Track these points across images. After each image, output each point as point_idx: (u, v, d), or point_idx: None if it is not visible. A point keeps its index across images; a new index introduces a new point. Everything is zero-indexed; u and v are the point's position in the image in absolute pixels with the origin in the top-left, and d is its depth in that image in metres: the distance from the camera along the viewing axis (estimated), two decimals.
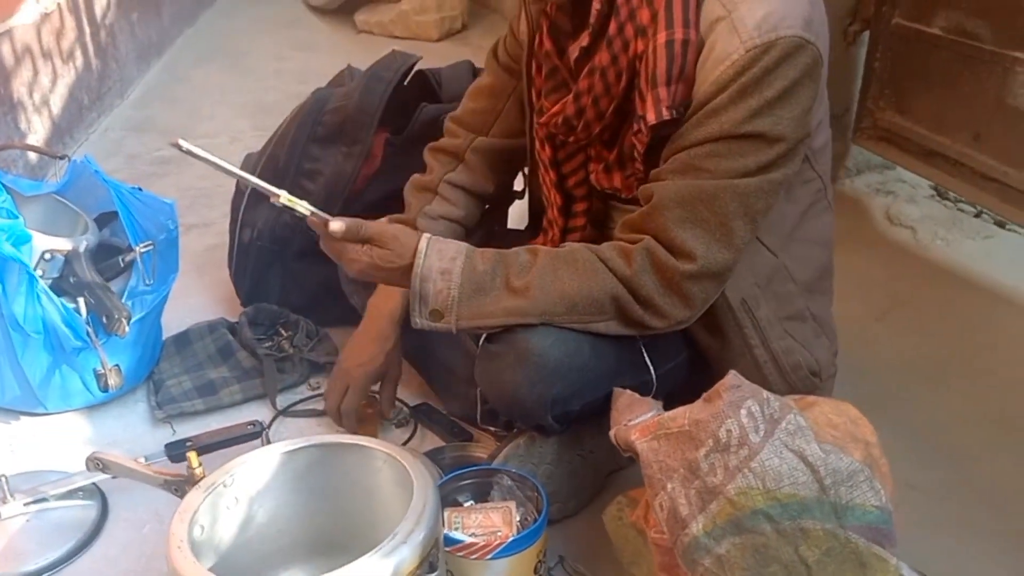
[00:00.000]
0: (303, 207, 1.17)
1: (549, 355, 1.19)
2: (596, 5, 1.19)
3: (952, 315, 1.92)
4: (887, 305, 1.94)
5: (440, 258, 1.19)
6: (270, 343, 1.80)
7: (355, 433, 1.49)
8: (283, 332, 1.82)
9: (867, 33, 2.23)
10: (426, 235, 1.21)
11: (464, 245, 1.22)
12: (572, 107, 1.26)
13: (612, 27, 1.18)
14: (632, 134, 1.20)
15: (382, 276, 1.24)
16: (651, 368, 1.28)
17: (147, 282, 1.59)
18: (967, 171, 1.99)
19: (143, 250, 1.57)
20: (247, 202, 1.90)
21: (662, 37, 1.13)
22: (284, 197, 1.16)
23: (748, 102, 1.10)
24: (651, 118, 1.15)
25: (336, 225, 1.17)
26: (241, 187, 1.92)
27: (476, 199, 1.57)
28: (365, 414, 1.56)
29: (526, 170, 1.57)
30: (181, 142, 1.07)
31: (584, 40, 1.22)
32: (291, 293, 1.89)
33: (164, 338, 1.79)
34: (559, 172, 1.40)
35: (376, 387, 1.55)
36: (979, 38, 1.89)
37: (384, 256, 1.19)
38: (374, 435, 1.51)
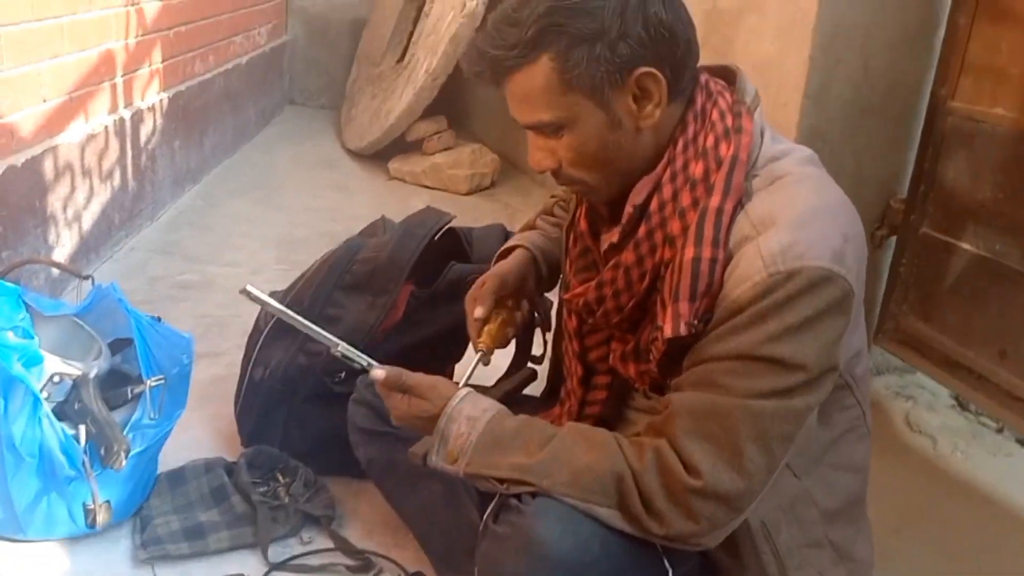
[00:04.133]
0: (359, 359, 1.27)
1: (555, 547, 1.12)
2: (628, 209, 1.20)
3: (974, 537, 1.84)
4: (905, 517, 1.87)
5: (472, 407, 1.22)
6: (266, 488, 1.74)
7: (474, 338, 1.41)
8: (281, 478, 1.76)
9: (894, 238, 2.26)
10: (466, 388, 1.25)
11: (500, 405, 1.23)
12: (594, 293, 1.25)
13: (642, 231, 1.19)
14: (650, 340, 1.19)
15: (420, 425, 1.25)
16: (669, 568, 1.21)
17: (152, 416, 1.55)
18: (991, 386, 1.96)
19: (153, 384, 1.54)
20: (264, 340, 1.88)
21: (690, 252, 1.13)
22: (342, 347, 1.26)
23: (767, 326, 1.08)
24: (668, 331, 1.13)
25: (377, 373, 1.26)
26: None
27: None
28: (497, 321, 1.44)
29: (548, 336, 1.56)
30: (250, 288, 1.19)
31: (615, 236, 1.23)
32: (295, 437, 1.85)
33: (158, 472, 1.73)
34: (583, 344, 1.38)
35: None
36: (1009, 257, 1.90)
37: (421, 406, 1.24)
38: (500, 340, 1.41)
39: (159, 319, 1.70)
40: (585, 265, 1.34)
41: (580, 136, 1.17)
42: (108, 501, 1.47)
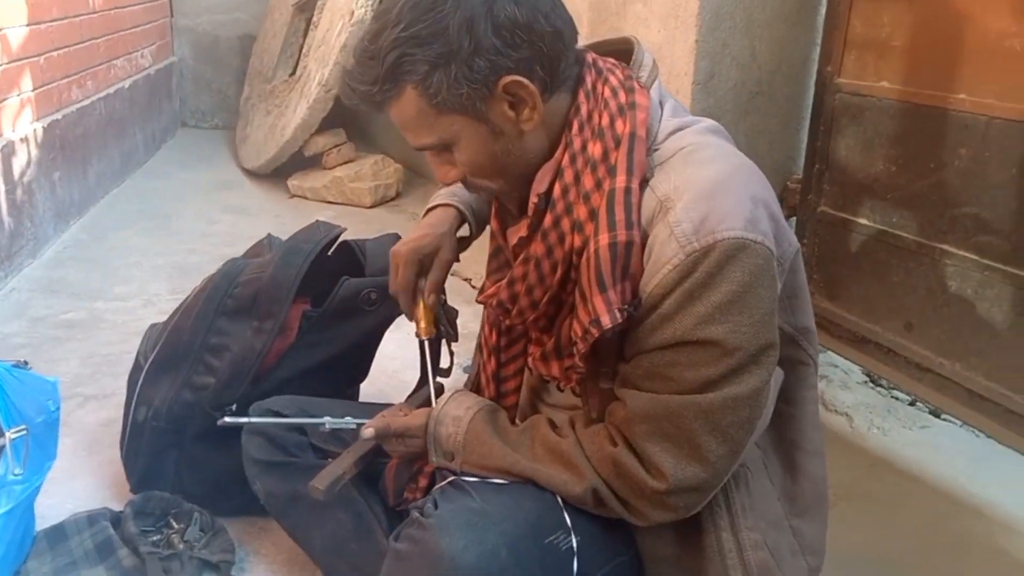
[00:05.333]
0: (347, 424, 1.39)
1: (461, 561, 1.10)
2: (533, 199, 1.17)
3: (901, 511, 1.82)
4: (832, 498, 1.84)
5: (457, 406, 1.27)
6: (158, 536, 1.62)
7: (411, 315, 1.43)
8: (174, 524, 1.65)
9: (794, 218, 2.25)
10: (452, 391, 1.30)
11: (485, 403, 1.28)
12: (506, 292, 1.22)
13: (548, 220, 1.16)
14: (581, 334, 1.14)
15: (422, 458, 1.34)
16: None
17: (16, 472, 1.42)
18: (900, 360, 1.96)
19: (14, 436, 1.40)
20: (145, 377, 1.75)
21: (604, 239, 1.10)
22: (328, 423, 1.39)
23: (695, 308, 1.06)
24: (606, 322, 1.10)
25: (367, 432, 1.32)
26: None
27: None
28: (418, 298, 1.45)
29: (455, 347, 1.51)
30: (227, 420, 1.39)
31: (522, 230, 1.20)
32: (187, 479, 1.73)
33: (37, 531, 1.59)
34: (498, 360, 1.35)
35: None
36: (906, 229, 1.90)
37: (418, 445, 1.30)
38: (428, 318, 1.42)
39: (25, 364, 1.56)
40: (498, 265, 1.32)
41: (468, 151, 1.16)
42: None
